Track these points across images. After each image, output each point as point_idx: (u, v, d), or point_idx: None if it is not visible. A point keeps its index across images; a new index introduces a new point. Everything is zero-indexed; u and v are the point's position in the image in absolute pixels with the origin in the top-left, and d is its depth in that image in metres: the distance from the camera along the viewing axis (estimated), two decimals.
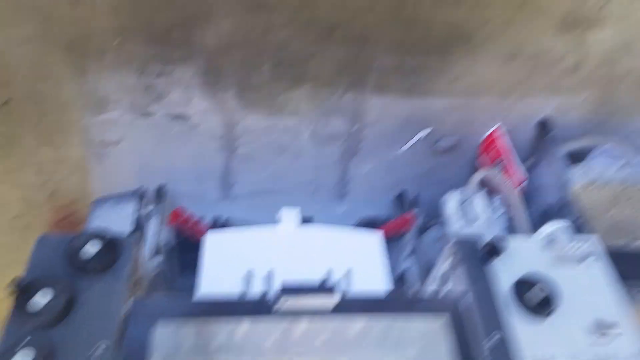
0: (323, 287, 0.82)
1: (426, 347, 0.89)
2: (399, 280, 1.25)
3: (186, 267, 1.13)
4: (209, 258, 1.00)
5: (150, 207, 1.23)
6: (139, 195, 1.25)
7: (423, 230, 1.36)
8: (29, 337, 0.73)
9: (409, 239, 1.19)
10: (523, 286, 0.87)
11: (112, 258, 0.83)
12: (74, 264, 0.81)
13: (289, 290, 0.80)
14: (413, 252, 1.26)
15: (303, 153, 1.27)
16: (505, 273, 0.90)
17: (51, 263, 0.82)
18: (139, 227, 1.20)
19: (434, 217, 1.39)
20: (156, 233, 1.16)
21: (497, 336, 0.81)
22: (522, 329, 0.83)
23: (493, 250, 0.90)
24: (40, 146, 1.22)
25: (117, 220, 1.15)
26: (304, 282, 0.81)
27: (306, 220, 1.10)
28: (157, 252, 1.16)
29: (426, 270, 1.23)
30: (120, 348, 0.74)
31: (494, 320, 0.83)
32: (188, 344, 0.82)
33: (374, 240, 1.08)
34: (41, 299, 0.77)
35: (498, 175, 1.15)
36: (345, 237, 1.08)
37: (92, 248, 0.83)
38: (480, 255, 0.91)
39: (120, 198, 1.25)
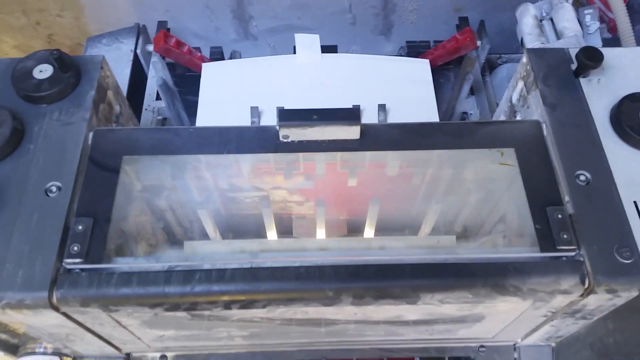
0: (336, 112, 0.60)
1: (488, 191, 0.67)
2: None
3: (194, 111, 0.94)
4: (206, 95, 0.79)
5: (151, 46, 1.02)
6: (137, 32, 1.05)
7: (492, 67, 1.08)
8: None
9: (468, 73, 0.92)
10: (628, 108, 0.62)
11: (70, 83, 0.65)
12: (23, 90, 0.64)
13: (289, 115, 0.58)
14: (477, 91, 1.00)
15: None
16: (601, 93, 0.65)
17: None
18: (137, 67, 1.01)
19: (504, 51, 1.11)
20: (158, 76, 0.97)
21: (586, 174, 0.58)
22: (622, 163, 0.59)
23: (587, 62, 0.64)
24: None
25: (112, 59, 0.95)
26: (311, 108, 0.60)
27: (329, 49, 0.85)
28: (157, 96, 0.97)
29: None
30: (79, 188, 0.57)
31: (584, 153, 0.59)
32: (161, 185, 0.64)
33: (419, 68, 0.83)
34: None
35: None
36: (381, 66, 0.83)
37: (44, 71, 0.65)
38: (569, 71, 0.65)
39: (116, 35, 1.05)
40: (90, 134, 0.61)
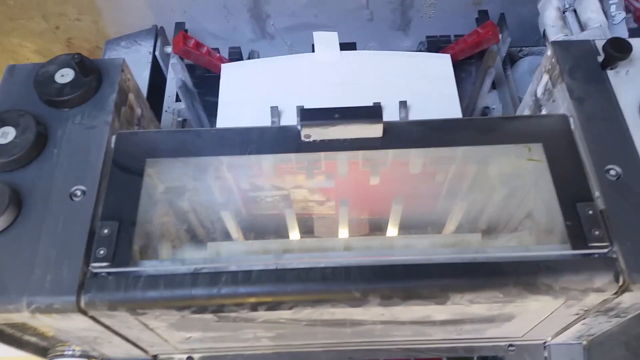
0: (358, 110, 0.59)
1: (515, 187, 0.66)
2: None
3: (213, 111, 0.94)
4: (226, 96, 0.79)
5: (169, 48, 1.03)
6: (155, 34, 1.05)
7: (512, 60, 1.06)
8: None
9: (490, 67, 0.91)
10: None
11: (92, 86, 0.65)
12: (45, 95, 0.64)
13: (310, 114, 0.58)
14: (498, 85, 0.99)
15: None
16: (630, 85, 0.63)
17: (21, 95, 0.65)
18: (156, 69, 1.02)
19: (526, 44, 1.09)
20: (177, 77, 0.97)
21: (617, 169, 0.56)
22: None
23: (615, 53, 0.62)
24: None
25: (131, 62, 0.96)
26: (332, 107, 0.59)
27: (347, 47, 0.85)
28: (177, 98, 0.97)
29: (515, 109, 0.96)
30: (103, 192, 0.58)
31: (614, 148, 0.58)
32: (184, 186, 0.64)
33: (440, 63, 0.82)
34: (5, 135, 0.61)
35: None
36: (402, 62, 0.82)
37: (65, 75, 0.65)
38: (595, 64, 0.64)
39: (134, 38, 1.06)
40: (113, 137, 0.62)
